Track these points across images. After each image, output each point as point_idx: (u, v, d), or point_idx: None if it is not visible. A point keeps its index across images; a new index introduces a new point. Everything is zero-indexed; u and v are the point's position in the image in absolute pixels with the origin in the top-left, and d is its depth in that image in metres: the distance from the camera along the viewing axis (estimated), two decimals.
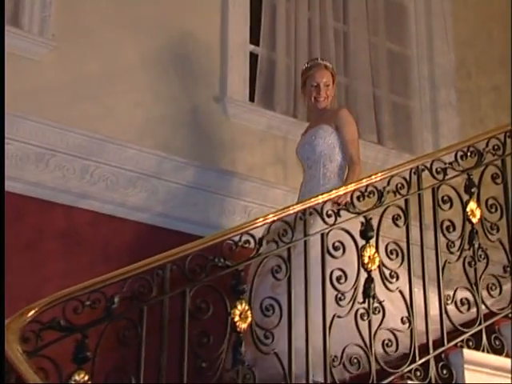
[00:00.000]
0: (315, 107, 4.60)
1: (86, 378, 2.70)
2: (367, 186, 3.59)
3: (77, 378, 2.69)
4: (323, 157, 4.43)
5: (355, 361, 3.26)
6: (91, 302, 2.81)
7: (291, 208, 3.44)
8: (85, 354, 2.73)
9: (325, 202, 3.48)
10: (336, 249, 3.38)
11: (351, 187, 3.62)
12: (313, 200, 3.48)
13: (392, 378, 3.30)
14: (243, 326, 3.11)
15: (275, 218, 3.39)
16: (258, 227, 3.33)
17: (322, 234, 3.39)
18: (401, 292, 3.49)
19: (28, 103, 4.63)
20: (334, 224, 3.45)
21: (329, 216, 3.45)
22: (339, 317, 3.31)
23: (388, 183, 3.64)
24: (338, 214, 3.46)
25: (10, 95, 4.53)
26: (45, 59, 4.78)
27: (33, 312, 2.70)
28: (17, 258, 4.39)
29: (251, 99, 5.52)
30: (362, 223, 3.53)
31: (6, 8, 4.69)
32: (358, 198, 3.54)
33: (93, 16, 5.00)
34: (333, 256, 3.38)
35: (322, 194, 3.53)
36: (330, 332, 3.28)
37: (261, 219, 3.38)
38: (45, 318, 2.74)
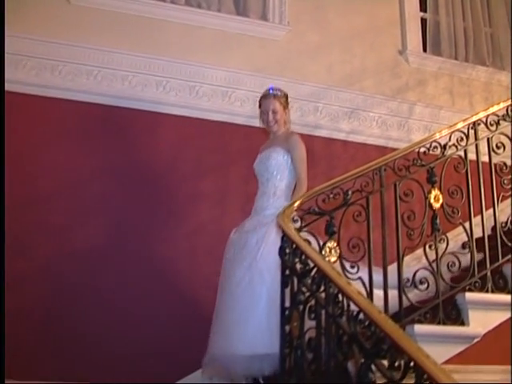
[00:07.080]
0: (269, 130, 3.86)
1: (335, 244, 2.82)
2: (507, 107, 3.45)
3: (329, 244, 2.82)
4: (274, 176, 3.62)
5: None
6: (334, 195, 2.91)
7: (458, 123, 3.39)
8: (332, 229, 2.83)
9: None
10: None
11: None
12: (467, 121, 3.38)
13: None
14: (437, 205, 3.12)
15: (450, 131, 3.34)
16: (438, 138, 3.29)
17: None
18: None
19: (274, 69, 4.71)
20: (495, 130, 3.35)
21: (492, 125, 3.35)
22: None
23: None
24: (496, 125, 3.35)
25: (262, 65, 4.69)
26: (283, 39, 4.84)
27: (298, 203, 2.84)
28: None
29: (424, 50, 5.35)
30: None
31: (257, 9, 4.82)
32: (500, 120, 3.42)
33: (310, 6, 5.00)
34: None
35: (476, 114, 3.41)
36: None
37: (438, 134, 3.35)
38: (305, 206, 2.88)
